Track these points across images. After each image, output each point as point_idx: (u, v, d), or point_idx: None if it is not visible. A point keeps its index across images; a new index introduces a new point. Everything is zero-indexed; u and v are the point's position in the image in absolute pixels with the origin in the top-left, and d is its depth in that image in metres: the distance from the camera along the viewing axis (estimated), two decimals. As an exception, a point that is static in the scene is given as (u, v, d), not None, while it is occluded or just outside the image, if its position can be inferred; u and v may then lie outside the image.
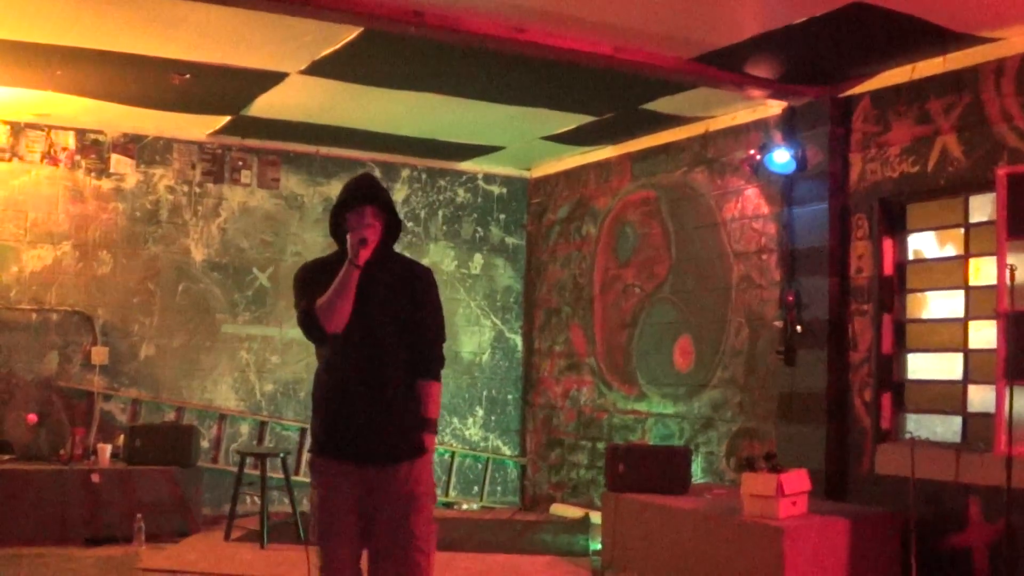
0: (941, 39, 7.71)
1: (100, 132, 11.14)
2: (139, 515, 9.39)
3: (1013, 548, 7.22)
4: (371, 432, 5.04)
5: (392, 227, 5.24)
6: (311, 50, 8.45)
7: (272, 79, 9.27)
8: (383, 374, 5.08)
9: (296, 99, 9.90)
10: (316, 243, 12.03)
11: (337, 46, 8.30)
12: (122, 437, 10.54)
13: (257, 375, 11.83)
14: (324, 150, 12.19)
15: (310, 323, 5.04)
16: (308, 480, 11.74)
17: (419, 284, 5.26)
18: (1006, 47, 7.66)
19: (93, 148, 11.14)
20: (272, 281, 11.94)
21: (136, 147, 11.32)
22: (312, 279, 5.14)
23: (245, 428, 11.75)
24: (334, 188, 12.21)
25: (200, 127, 11.21)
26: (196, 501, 10.29)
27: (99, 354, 10.98)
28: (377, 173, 12.45)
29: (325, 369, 5.18)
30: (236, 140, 11.72)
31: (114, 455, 10.39)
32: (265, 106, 10.20)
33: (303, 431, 11.89)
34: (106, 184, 11.18)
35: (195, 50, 8.51)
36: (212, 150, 11.68)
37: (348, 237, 4.99)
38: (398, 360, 5.13)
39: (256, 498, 10.22)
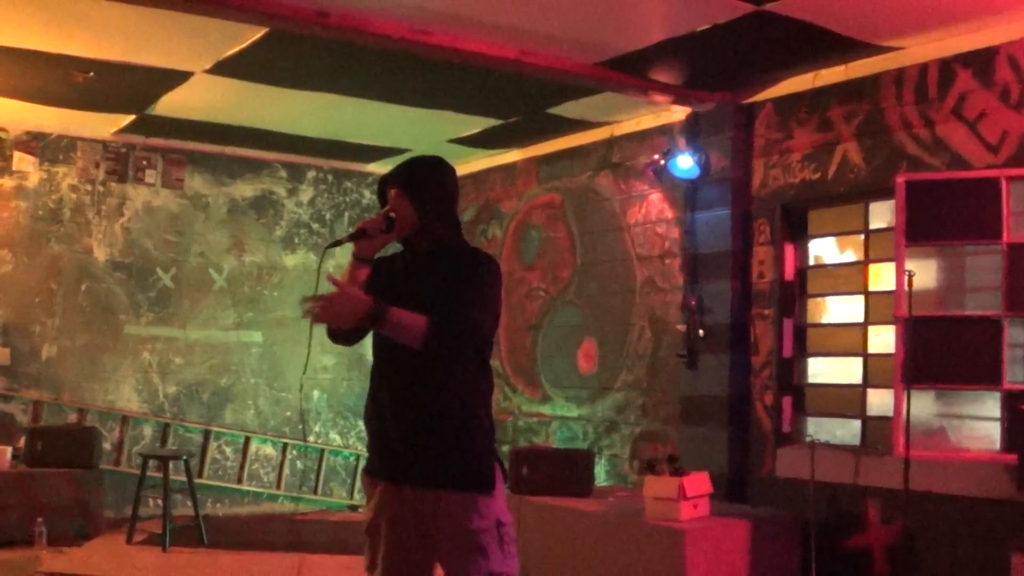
0: (843, 48, 7.82)
1: (2, 129, 10.94)
2: (39, 518, 9.28)
3: (910, 549, 7.34)
4: (409, 448, 4.23)
5: (428, 209, 4.27)
6: (216, 49, 8.38)
7: (177, 78, 9.17)
8: (430, 382, 4.34)
9: (201, 98, 9.81)
10: (220, 243, 11.95)
11: (242, 46, 8.23)
12: (23, 439, 10.38)
13: (160, 376, 11.70)
14: (230, 150, 12.07)
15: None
16: (211, 483, 11.64)
17: (462, 266, 4.31)
18: (906, 56, 7.79)
19: (-6, 146, 10.98)
20: (175, 282, 11.80)
21: (39, 145, 11.14)
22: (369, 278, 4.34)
23: (148, 430, 11.61)
24: (239, 188, 12.13)
25: (104, 125, 11.05)
26: (98, 504, 10.14)
27: (-1, 355, 10.84)
28: (283, 174, 12.41)
29: (370, 379, 4.42)
30: (140, 139, 11.56)
31: (14, 457, 10.20)
32: (170, 105, 10.09)
33: (207, 433, 11.80)
34: (8, 182, 10.98)
35: (98, 48, 8.41)
36: (116, 149, 11.53)
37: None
38: (448, 372, 4.45)
39: (158, 501, 10.13)
